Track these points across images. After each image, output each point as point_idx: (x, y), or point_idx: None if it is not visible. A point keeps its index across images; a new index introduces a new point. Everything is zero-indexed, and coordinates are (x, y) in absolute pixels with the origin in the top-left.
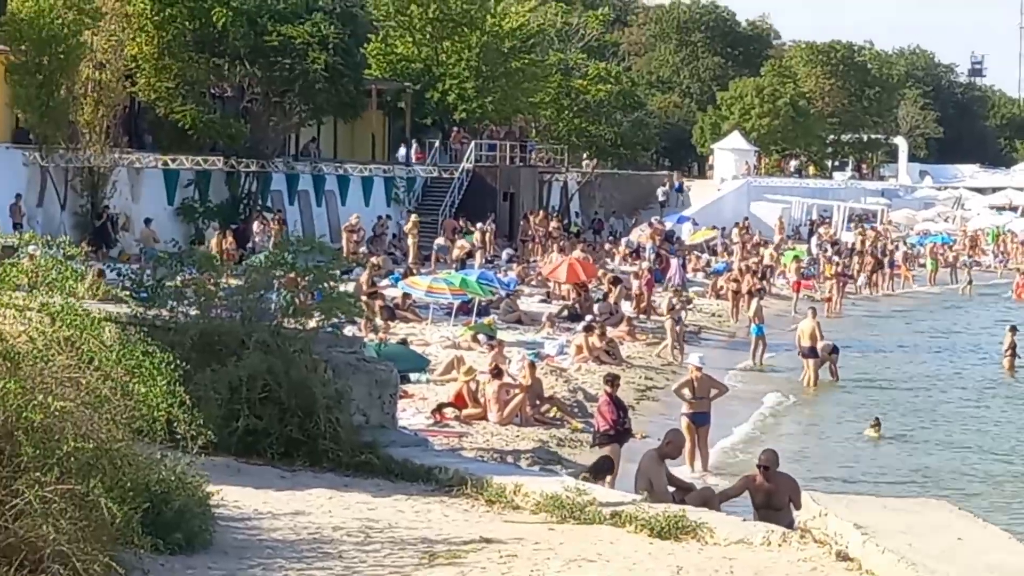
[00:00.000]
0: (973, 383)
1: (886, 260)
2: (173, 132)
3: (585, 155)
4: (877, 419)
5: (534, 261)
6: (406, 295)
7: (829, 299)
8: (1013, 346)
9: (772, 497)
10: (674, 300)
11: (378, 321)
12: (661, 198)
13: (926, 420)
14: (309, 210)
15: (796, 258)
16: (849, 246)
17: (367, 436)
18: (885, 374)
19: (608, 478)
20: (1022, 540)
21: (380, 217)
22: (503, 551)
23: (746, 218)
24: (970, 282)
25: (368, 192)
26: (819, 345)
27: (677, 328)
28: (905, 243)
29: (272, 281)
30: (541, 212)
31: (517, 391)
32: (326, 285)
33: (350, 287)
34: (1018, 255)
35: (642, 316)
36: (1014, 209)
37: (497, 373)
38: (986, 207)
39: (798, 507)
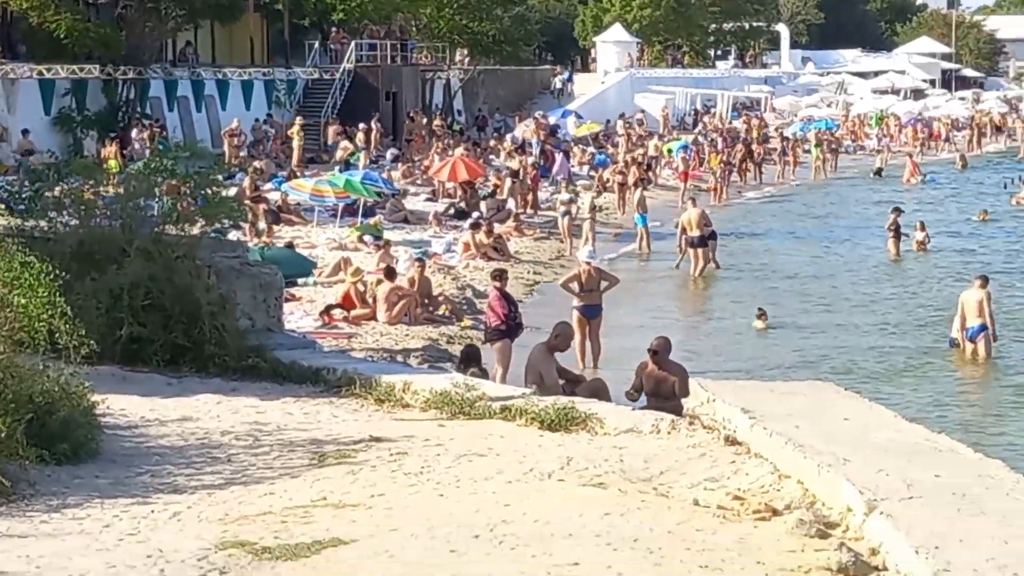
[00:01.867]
0: (860, 267)
1: (778, 149)
2: (48, 41)
3: (459, 53)
4: (762, 309)
5: (419, 160)
6: (284, 195)
7: (715, 188)
8: (897, 227)
9: (661, 385)
10: (567, 195)
11: (262, 225)
12: (558, 85)
13: (814, 306)
14: (189, 116)
15: (684, 148)
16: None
17: (253, 340)
18: (771, 262)
19: (474, 368)
20: (908, 418)
21: (257, 120)
22: (393, 449)
23: (641, 112)
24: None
25: (248, 96)
26: (702, 232)
27: (565, 221)
28: (790, 130)
29: (153, 188)
30: (424, 111)
31: (407, 292)
32: (208, 191)
33: (233, 192)
34: (901, 138)
35: (529, 211)
36: (896, 92)
37: (390, 274)
38: (869, 91)
39: (685, 395)
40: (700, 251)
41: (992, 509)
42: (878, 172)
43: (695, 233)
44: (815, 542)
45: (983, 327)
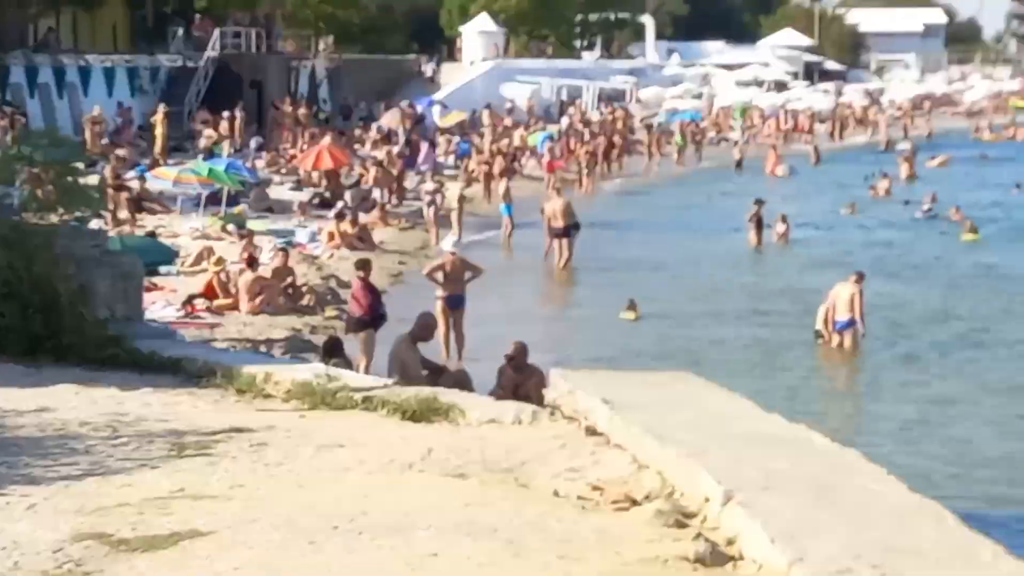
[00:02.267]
0: (723, 258)
1: (644, 140)
2: None
3: (323, 42)
4: (632, 300)
5: (284, 149)
6: (142, 178)
7: (580, 179)
8: (759, 219)
9: (520, 389)
10: (432, 185)
11: (123, 214)
12: (429, 74)
13: (677, 297)
14: (51, 103)
15: (549, 138)
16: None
17: (113, 330)
18: (636, 253)
19: (337, 359)
20: (769, 408)
21: (120, 104)
22: (253, 440)
23: (511, 102)
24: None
25: (111, 84)
26: (566, 223)
27: (431, 211)
28: (654, 121)
29: (12, 176)
30: (289, 100)
31: (270, 282)
32: (69, 179)
33: (94, 180)
34: (764, 130)
35: (395, 201)
36: (760, 84)
37: (252, 264)
38: (733, 83)
39: (541, 404)
40: (564, 242)
41: (848, 499)
42: (738, 164)
43: (559, 224)
44: (673, 532)
45: (852, 321)
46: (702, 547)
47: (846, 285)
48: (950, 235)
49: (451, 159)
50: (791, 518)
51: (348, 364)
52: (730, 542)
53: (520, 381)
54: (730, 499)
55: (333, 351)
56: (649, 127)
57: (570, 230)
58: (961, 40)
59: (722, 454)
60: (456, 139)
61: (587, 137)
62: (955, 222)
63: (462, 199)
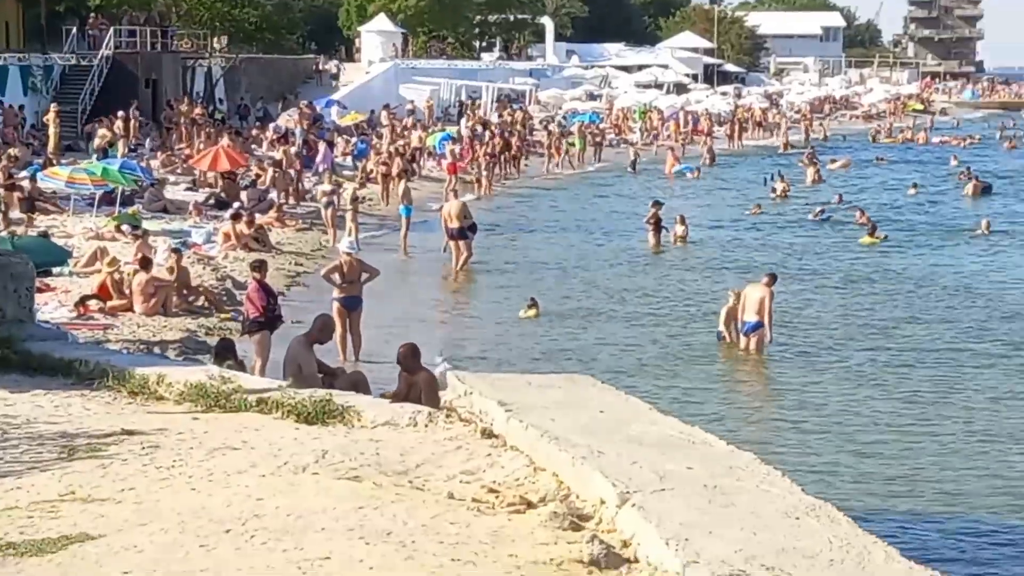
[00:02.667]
0: (621, 259)
1: (543, 142)
2: None
3: (216, 40)
4: (533, 299)
5: (179, 149)
6: (33, 178)
7: (479, 180)
8: (657, 220)
9: (411, 390)
10: (330, 186)
11: (16, 213)
12: (333, 71)
13: (576, 299)
14: None
15: (448, 139)
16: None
17: (3, 331)
18: (536, 255)
19: (230, 361)
20: (666, 410)
21: (11, 107)
22: (145, 442)
23: (411, 103)
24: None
25: (3, 82)
26: (461, 225)
27: (329, 212)
28: (554, 122)
29: None
30: (185, 99)
31: (165, 282)
32: None
33: None
34: (663, 132)
35: (292, 201)
36: (660, 87)
37: (146, 264)
38: (632, 85)
39: (434, 403)
40: (461, 243)
41: (742, 501)
42: (632, 165)
43: (455, 225)
44: (568, 535)
45: (759, 324)
46: (597, 549)
47: (757, 287)
48: (851, 238)
49: (349, 159)
50: (686, 520)
51: (241, 366)
52: (625, 544)
53: (412, 383)
54: (625, 501)
55: (225, 352)
56: (549, 129)
57: (465, 231)
58: (860, 43)
59: (617, 456)
60: (354, 140)
61: (487, 138)
62: (857, 225)
63: (355, 200)
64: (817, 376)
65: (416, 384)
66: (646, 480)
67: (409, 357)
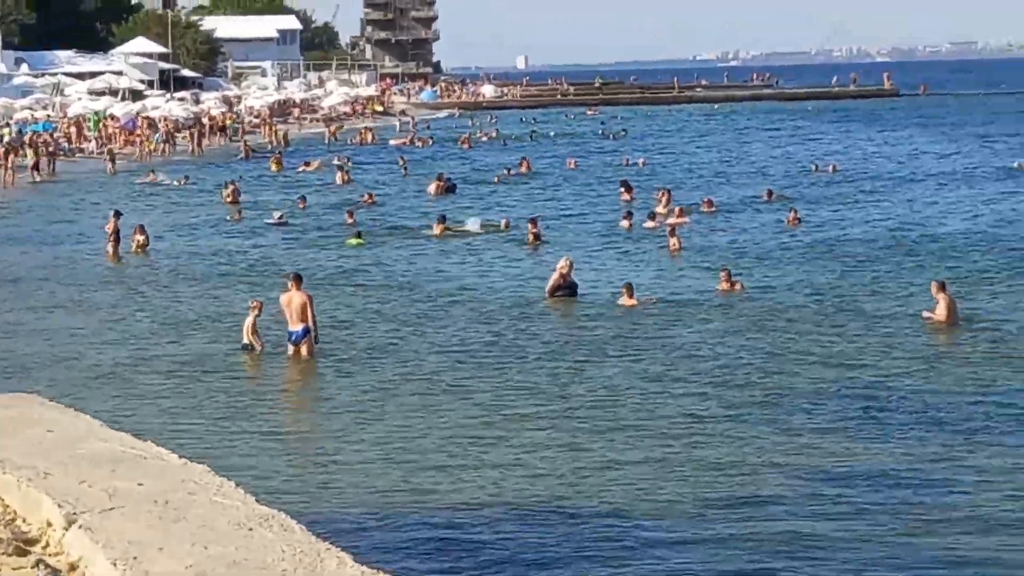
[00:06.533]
0: (80, 270)
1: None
2: None
3: None
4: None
5: None
6: None
7: None
8: (117, 231)
9: None
10: None
11: None
12: None
13: (35, 311)
14: None
15: None
16: None
17: None
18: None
19: None
20: (113, 427)
21: None
22: None
23: None
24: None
25: None
26: None
27: None
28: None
29: None
30: None
31: None
32: None
33: None
34: (119, 139)
35: None
36: (115, 94)
37: None
38: (86, 92)
39: None
40: None
41: (194, 515)
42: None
43: None
44: (13, 560)
45: (307, 330)
46: (42, 574)
47: (294, 293)
48: (336, 239)
49: None
50: (135, 538)
51: None
52: (73, 567)
53: None
54: (72, 523)
55: None
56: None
57: None
58: (318, 46)
59: (66, 476)
60: None
61: None
62: (350, 225)
63: None
64: (366, 377)
65: None
66: (95, 499)
67: None
